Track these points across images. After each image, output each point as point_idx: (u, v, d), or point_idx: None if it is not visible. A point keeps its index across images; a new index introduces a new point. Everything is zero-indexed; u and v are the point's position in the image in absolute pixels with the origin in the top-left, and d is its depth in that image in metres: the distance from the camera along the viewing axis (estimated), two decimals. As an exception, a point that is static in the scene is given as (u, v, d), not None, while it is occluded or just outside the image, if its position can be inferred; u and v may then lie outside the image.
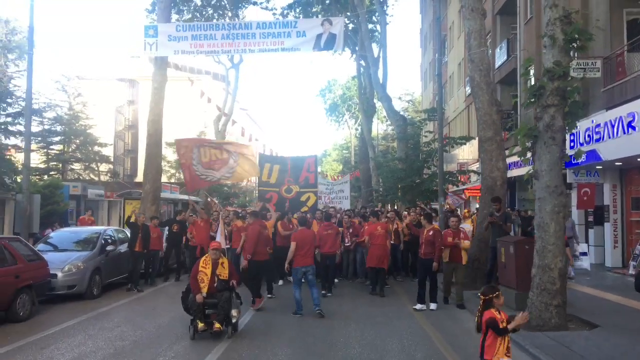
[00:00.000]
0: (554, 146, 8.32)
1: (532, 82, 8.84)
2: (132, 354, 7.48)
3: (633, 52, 14.29)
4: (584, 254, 14.53)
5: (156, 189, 18.50)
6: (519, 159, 9.24)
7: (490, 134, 12.42)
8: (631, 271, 12.99)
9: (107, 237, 13.50)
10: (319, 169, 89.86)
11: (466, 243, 10.87)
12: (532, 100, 8.62)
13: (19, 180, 20.53)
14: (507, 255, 10.10)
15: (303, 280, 10.14)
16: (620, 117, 13.33)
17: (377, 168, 28.37)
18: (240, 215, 14.58)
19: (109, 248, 12.99)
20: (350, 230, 14.26)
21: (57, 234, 14.15)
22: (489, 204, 12.17)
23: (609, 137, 13.88)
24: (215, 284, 8.47)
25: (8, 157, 18.46)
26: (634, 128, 12.67)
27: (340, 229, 13.57)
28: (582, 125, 14.89)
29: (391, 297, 12.07)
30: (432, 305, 10.51)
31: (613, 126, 13.66)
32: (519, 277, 9.53)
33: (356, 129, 58.64)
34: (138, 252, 13.35)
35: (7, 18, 37.35)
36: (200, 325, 8.18)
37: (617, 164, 14.75)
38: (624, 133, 13.15)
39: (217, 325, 8.21)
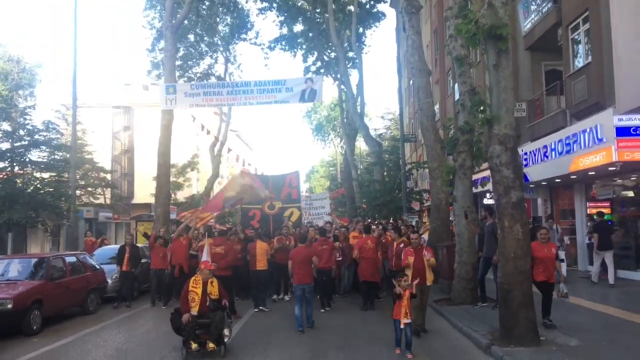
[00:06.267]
0: (466, 179, 12.08)
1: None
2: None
3: (549, 95, 18.23)
4: (562, 260, 13.76)
5: (166, 212, 20.72)
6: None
7: (436, 164, 15.80)
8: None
9: (138, 253, 16.82)
10: (307, 185, 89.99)
11: (432, 260, 9.40)
12: (450, 147, 12.38)
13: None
14: (442, 255, 13.76)
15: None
16: (539, 148, 17.19)
17: (360, 187, 32.01)
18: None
19: (143, 261, 16.42)
20: (342, 245, 14.12)
21: (99, 252, 17.52)
22: (436, 219, 15.76)
23: (533, 163, 17.70)
24: (207, 304, 8.52)
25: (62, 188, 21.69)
26: (547, 157, 16.54)
27: (336, 243, 13.58)
28: (516, 153, 18.78)
29: (383, 309, 11.69)
30: None
31: (535, 155, 17.51)
32: (449, 270, 13.10)
33: (341, 147, 61.54)
34: (125, 271, 14.25)
35: (19, 57, 40.83)
36: (194, 345, 8.14)
37: (543, 183, 18.57)
38: (542, 161, 17.00)
39: (210, 345, 8.21)
